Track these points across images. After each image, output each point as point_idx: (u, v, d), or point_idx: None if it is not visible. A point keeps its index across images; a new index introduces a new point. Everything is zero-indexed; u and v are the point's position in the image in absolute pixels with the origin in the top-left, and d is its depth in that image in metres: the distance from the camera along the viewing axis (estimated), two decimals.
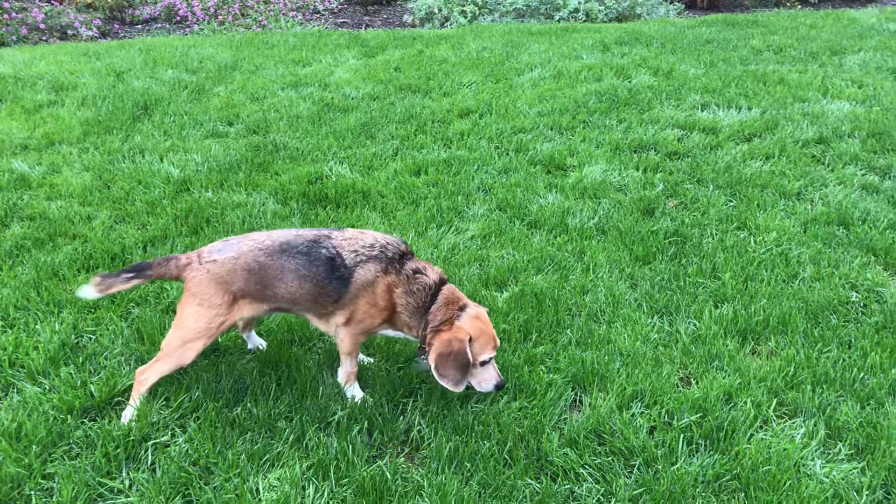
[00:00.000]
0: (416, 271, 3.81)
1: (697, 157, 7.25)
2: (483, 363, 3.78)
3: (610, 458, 3.63)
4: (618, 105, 8.82)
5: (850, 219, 5.91)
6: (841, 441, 3.74)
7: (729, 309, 4.73)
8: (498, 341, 3.84)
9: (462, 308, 3.82)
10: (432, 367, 3.71)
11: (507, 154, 7.36)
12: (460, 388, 3.73)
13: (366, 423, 3.84)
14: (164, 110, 8.62)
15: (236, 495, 3.41)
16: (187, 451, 3.68)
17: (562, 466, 3.58)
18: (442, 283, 3.87)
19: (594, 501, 3.38)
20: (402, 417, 3.93)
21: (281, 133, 7.91)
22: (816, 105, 8.74)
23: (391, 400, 4.02)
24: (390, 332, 4.06)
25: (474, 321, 3.79)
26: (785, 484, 3.42)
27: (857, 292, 4.97)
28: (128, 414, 3.84)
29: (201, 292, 3.72)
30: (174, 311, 4.73)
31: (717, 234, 5.71)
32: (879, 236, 5.60)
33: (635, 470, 3.55)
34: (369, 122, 8.22)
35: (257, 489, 3.48)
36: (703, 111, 8.66)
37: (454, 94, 9.32)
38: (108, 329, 4.60)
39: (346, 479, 3.51)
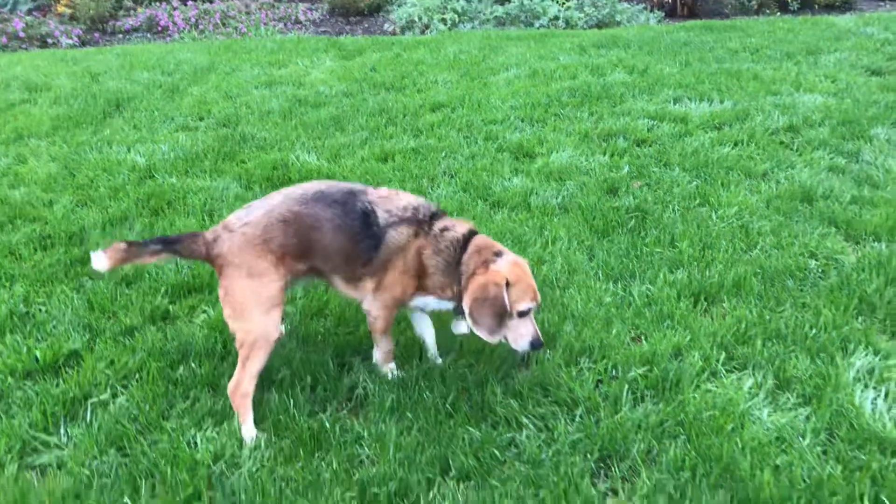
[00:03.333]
0: (444, 228, 3.61)
1: (666, 143, 7.25)
2: (521, 314, 3.51)
3: (553, 408, 3.59)
4: (590, 99, 8.83)
5: (813, 195, 5.89)
6: (789, 391, 3.70)
7: (684, 274, 4.71)
8: (539, 295, 3.58)
9: (498, 254, 3.58)
10: (467, 312, 3.48)
11: (476, 143, 7.36)
12: (496, 339, 3.52)
13: (309, 379, 3.79)
14: (135, 107, 8.64)
15: (172, 447, 3.35)
16: (127, 408, 3.64)
17: (504, 416, 3.53)
18: (471, 234, 3.65)
19: (535, 447, 3.33)
20: (348, 375, 3.89)
21: (251, 126, 7.91)
22: (789, 98, 8.76)
23: (337, 359, 3.98)
24: (427, 302, 3.77)
25: (512, 266, 3.54)
26: (728, 428, 3.37)
27: (815, 260, 4.95)
28: (249, 434, 3.46)
29: (244, 261, 3.41)
30: (129, 284, 4.73)
31: (678, 210, 5.69)
32: (842, 210, 5.59)
33: (577, 418, 3.50)
34: (340, 115, 8.23)
35: (195, 442, 3.42)
36: (675, 104, 8.67)
37: (428, 90, 9.33)
38: (59, 300, 4.56)
39: (286, 431, 3.46)
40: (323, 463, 3.28)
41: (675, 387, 3.68)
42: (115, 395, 3.76)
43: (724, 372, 3.85)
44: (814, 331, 4.12)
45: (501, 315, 3.45)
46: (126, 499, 3.08)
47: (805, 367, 3.83)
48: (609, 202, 5.84)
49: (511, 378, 3.81)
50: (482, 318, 3.45)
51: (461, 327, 3.87)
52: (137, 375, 3.89)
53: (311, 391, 3.76)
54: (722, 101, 8.68)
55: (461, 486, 3.16)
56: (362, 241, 3.53)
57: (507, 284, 3.45)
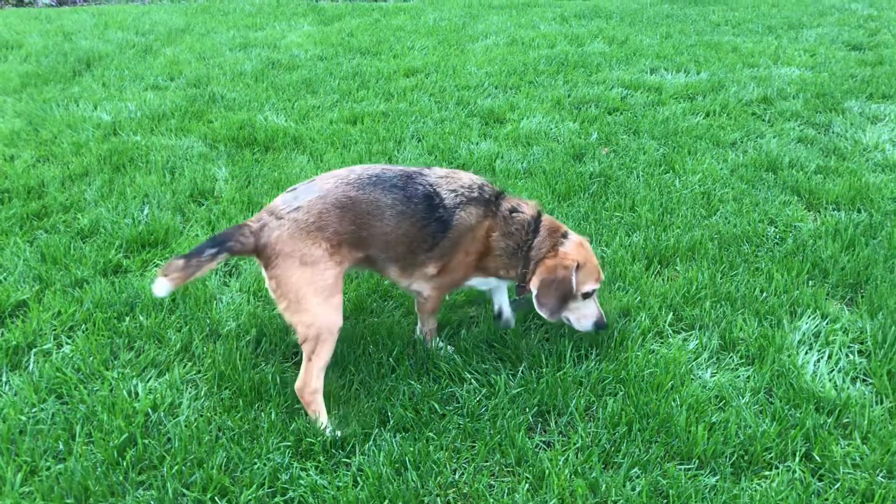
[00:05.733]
0: (512, 210, 3.48)
1: (637, 112, 7.23)
2: (585, 295, 3.48)
3: (497, 364, 3.59)
4: (566, 68, 8.80)
5: (779, 164, 5.89)
6: (733, 352, 3.71)
7: (640, 237, 4.70)
8: (602, 274, 3.59)
9: (565, 235, 3.53)
10: (533, 294, 3.42)
11: (447, 108, 7.32)
12: (556, 319, 3.47)
13: (254, 332, 3.78)
14: (106, 66, 8.53)
15: (111, 394, 3.34)
16: (71, 357, 3.61)
17: (447, 371, 3.53)
18: (539, 215, 3.56)
19: (474, 401, 3.33)
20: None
21: (221, 87, 7.84)
22: (765, 70, 8.75)
23: None
24: (486, 282, 3.66)
25: (579, 248, 3.50)
26: (667, 385, 3.39)
27: (774, 227, 4.95)
28: (326, 423, 3.21)
29: (296, 249, 3.14)
30: (84, 238, 4.69)
31: (642, 176, 5.68)
32: (805, 180, 5.58)
33: (520, 373, 3.51)
34: (313, 78, 8.16)
35: (136, 392, 3.41)
36: (651, 74, 8.65)
37: (403, 56, 9.26)
38: (11, 252, 4.52)
39: (228, 383, 3.45)
40: (262, 413, 3.27)
41: (619, 345, 3.68)
42: (59, 345, 3.74)
43: (670, 332, 3.86)
44: (764, 294, 4.13)
45: (567, 296, 3.43)
46: (60, 444, 3.07)
47: (752, 329, 3.84)
48: (574, 167, 5.82)
49: (458, 334, 3.81)
50: (547, 300, 3.41)
51: (521, 304, 3.76)
52: (84, 326, 3.86)
53: (256, 344, 3.74)
54: (698, 73, 8.66)
55: (398, 437, 3.16)
56: (428, 225, 3.32)
57: (577, 267, 3.43)
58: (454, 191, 3.39)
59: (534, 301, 3.44)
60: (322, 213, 3.20)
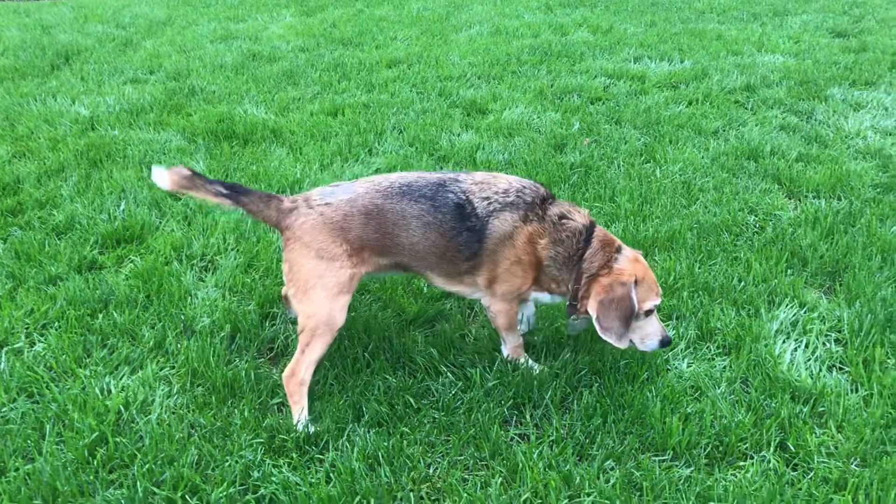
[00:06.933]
0: (562, 216, 3.27)
1: (620, 101, 7.20)
2: (647, 313, 3.25)
3: (473, 357, 3.56)
4: (550, 57, 8.75)
5: (760, 152, 5.88)
6: (710, 342, 3.70)
7: (619, 227, 4.69)
8: (660, 289, 3.36)
9: (618, 250, 3.29)
10: (594, 317, 3.18)
11: (429, 99, 7.27)
12: (625, 344, 3.21)
13: (229, 328, 3.75)
14: (85, 59, 8.46)
15: (82, 392, 3.31)
16: (43, 355, 3.58)
17: (423, 364, 3.51)
18: (592, 225, 3.33)
19: (450, 395, 3.31)
20: (271, 326, 3.84)
21: (201, 79, 7.77)
22: (749, 58, 8.72)
23: (261, 310, 3.93)
24: (539, 297, 3.47)
25: (634, 263, 3.26)
26: (642, 376, 3.37)
27: (754, 215, 4.94)
28: (301, 419, 3.16)
29: (315, 241, 3.17)
30: (59, 234, 4.64)
31: (623, 166, 5.66)
32: (786, 168, 5.58)
33: (496, 366, 3.49)
34: (294, 70, 8.11)
35: (109, 389, 3.37)
36: (634, 63, 8.61)
37: (386, 46, 9.21)
38: None
39: (201, 379, 3.42)
40: (235, 410, 3.25)
41: (594, 337, 3.65)
42: (32, 343, 3.70)
43: None
44: (742, 283, 4.12)
45: (630, 316, 3.18)
46: (30, 444, 3.04)
47: (729, 318, 3.83)
48: (555, 158, 5.79)
49: (434, 328, 3.79)
50: (611, 323, 3.16)
51: (577, 326, 3.61)
52: (57, 324, 3.82)
53: (231, 340, 3.71)
54: (682, 61, 8.63)
55: (372, 432, 3.13)
56: (458, 234, 3.22)
57: (635, 283, 3.20)
58: (487, 198, 3.24)
59: (596, 327, 3.19)
60: (347, 216, 3.21)
